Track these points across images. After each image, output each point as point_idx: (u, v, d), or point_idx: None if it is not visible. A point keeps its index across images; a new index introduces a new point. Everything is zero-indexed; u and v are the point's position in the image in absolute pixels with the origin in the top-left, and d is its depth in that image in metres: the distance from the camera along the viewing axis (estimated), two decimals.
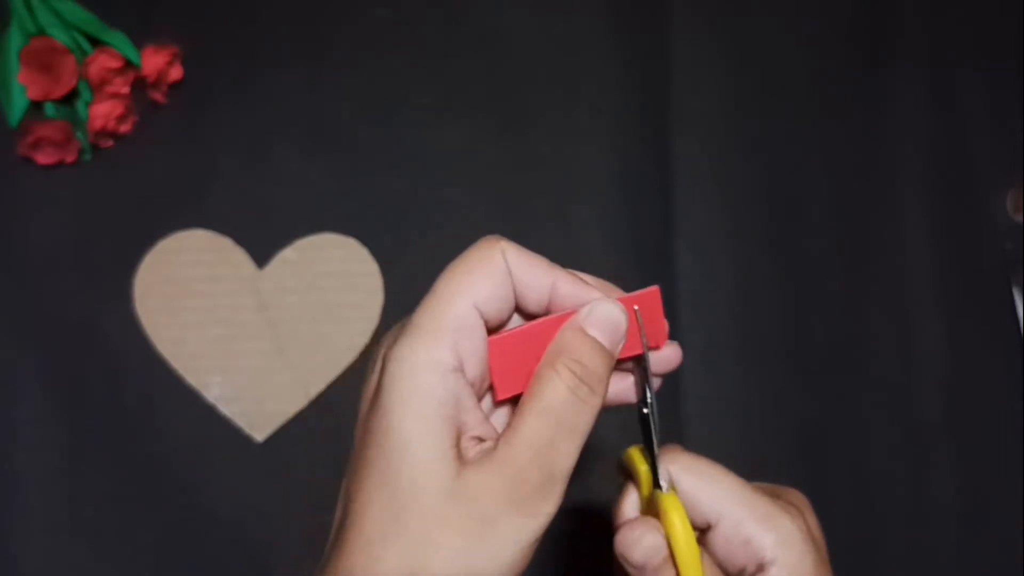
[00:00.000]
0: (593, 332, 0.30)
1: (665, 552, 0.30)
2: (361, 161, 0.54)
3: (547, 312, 0.31)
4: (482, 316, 0.29)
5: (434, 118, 0.55)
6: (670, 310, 0.52)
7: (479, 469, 0.28)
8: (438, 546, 0.27)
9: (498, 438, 0.29)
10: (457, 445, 0.28)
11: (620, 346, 0.30)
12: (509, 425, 0.29)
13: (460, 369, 0.28)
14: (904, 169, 0.56)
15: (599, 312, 0.30)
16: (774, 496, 0.32)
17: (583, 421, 0.29)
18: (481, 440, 0.29)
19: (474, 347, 0.29)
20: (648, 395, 0.32)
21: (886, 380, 0.54)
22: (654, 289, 0.32)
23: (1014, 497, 0.52)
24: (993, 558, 0.52)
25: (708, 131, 0.55)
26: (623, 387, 0.33)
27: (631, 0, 0.56)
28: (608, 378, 0.30)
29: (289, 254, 0.52)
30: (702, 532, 0.32)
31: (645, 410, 0.32)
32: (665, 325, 0.32)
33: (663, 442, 0.32)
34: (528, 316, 0.31)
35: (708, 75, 0.56)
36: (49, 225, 0.52)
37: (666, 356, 0.33)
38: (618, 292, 0.31)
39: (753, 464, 0.52)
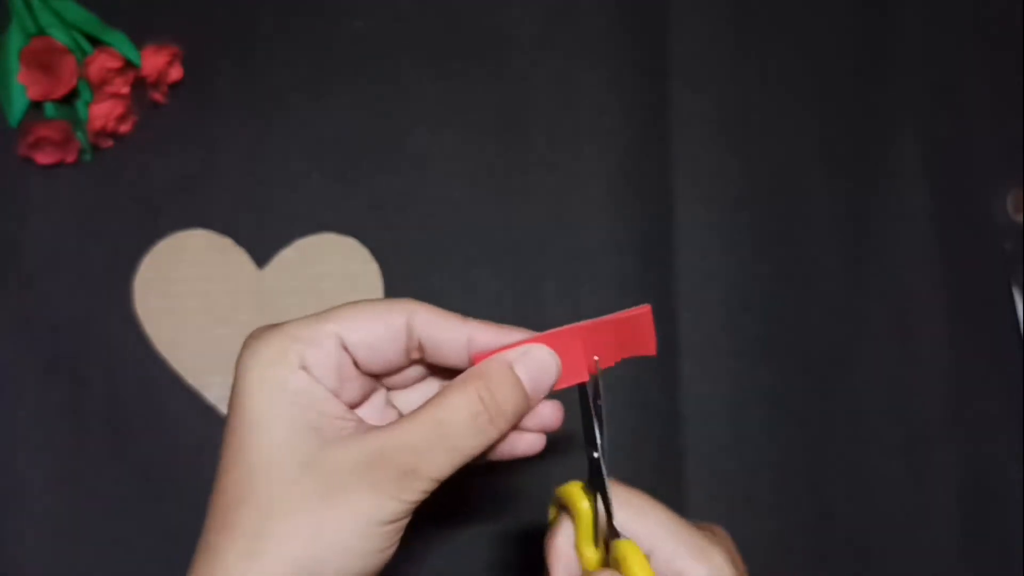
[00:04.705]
0: (519, 372, 0.31)
1: None
2: (361, 161, 0.54)
3: (467, 365, 0.31)
4: (347, 350, 0.31)
5: (434, 118, 0.55)
6: (670, 310, 0.53)
7: (340, 446, 0.29)
8: (284, 510, 0.28)
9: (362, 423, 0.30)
10: (315, 429, 0.29)
11: (541, 395, 0.31)
12: (398, 419, 0.30)
13: (306, 370, 0.30)
14: (904, 169, 0.56)
15: (532, 356, 0.31)
16: (702, 530, 0.33)
17: (469, 445, 0.30)
18: (353, 423, 0.30)
19: (325, 368, 0.30)
20: (599, 439, 0.32)
21: (886, 380, 0.54)
22: (645, 309, 0.32)
23: (1014, 497, 0.52)
24: (993, 558, 0.52)
25: (708, 132, 0.55)
26: (519, 444, 0.33)
27: (631, 1, 0.56)
28: (515, 419, 0.30)
29: (289, 254, 0.52)
30: None
31: (596, 454, 0.32)
32: (653, 340, 0.33)
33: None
34: (449, 369, 0.32)
35: (708, 74, 0.56)
36: (49, 225, 0.52)
37: (545, 414, 0.33)
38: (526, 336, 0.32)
39: (753, 464, 0.53)
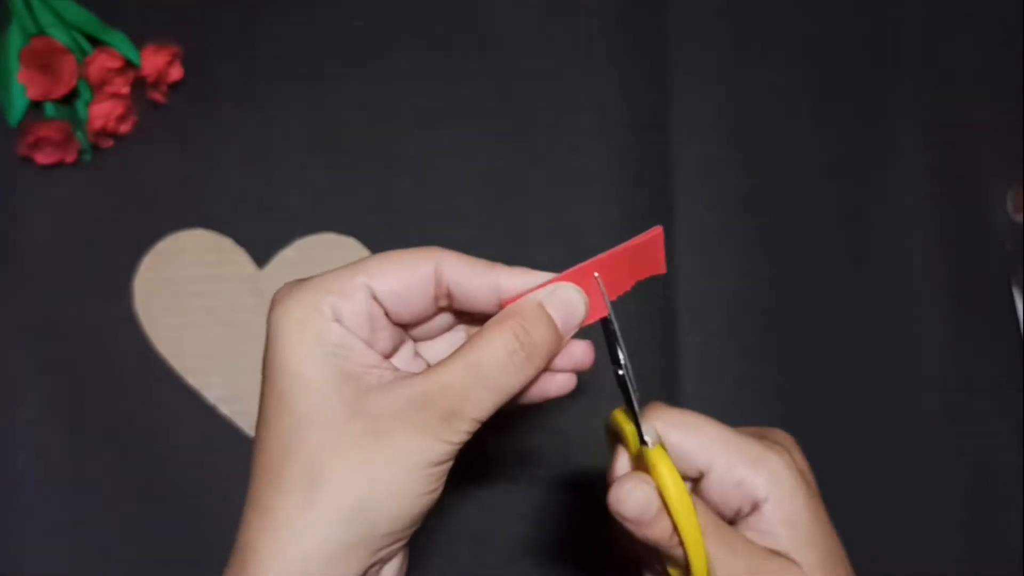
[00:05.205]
0: (550, 310, 0.31)
1: (657, 503, 0.31)
2: (361, 161, 0.54)
3: (495, 310, 0.32)
4: (378, 300, 0.31)
5: (434, 118, 0.55)
6: (670, 311, 0.53)
7: (383, 392, 0.29)
8: (335, 457, 0.29)
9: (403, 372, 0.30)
10: (355, 378, 0.29)
11: (571, 331, 0.32)
12: (438, 363, 0.30)
13: (340, 321, 0.30)
14: (904, 169, 0.56)
15: (560, 294, 0.32)
16: (760, 438, 0.34)
17: (508, 384, 0.30)
18: (389, 371, 0.30)
19: (357, 319, 0.30)
20: (621, 357, 0.33)
21: (886, 380, 0.54)
22: (657, 231, 0.33)
23: (1014, 496, 0.52)
24: (994, 558, 0.52)
25: (708, 131, 0.55)
26: (552, 385, 0.34)
27: (630, 1, 0.56)
28: (549, 356, 0.31)
29: (289, 254, 0.52)
30: (696, 481, 0.33)
31: (620, 371, 0.33)
32: (663, 260, 0.34)
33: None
34: (475, 316, 0.33)
35: (708, 75, 0.56)
36: (49, 225, 0.52)
37: (577, 354, 0.34)
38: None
39: None
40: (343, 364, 0.30)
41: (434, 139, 0.54)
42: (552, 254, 0.54)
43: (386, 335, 0.32)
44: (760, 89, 0.56)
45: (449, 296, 0.32)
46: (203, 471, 0.50)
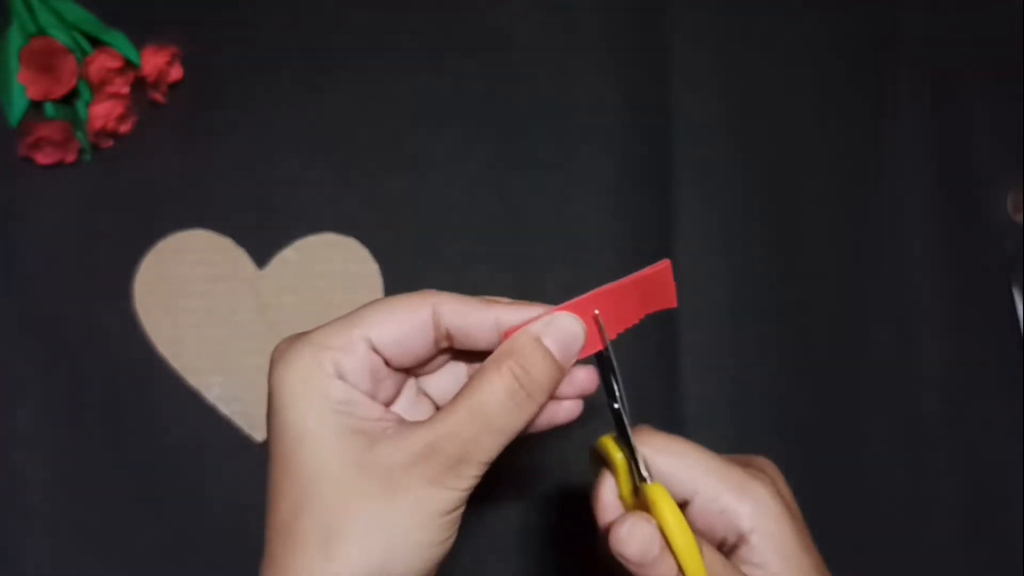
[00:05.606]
0: (548, 343, 0.31)
1: (660, 543, 0.30)
2: (361, 161, 0.54)
3: (498, 346, 0.31)
4: (378, 351, 0.31)
5: (434, 118, 0.55)
6: (670, 311, 0.53)
7: (389, 445, 0.29)
8: (348, 512, 0.28)
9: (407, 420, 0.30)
10: (361, 432, 0.29)
11: (571, 361, 0.32)
12: (439, 410, 0.30)
13: (342, 377, 0.30)
14: (904, 169, 0.56)
15: (557, 324, 0.31)
16: (745, 465, 0.33)
17: (512, 425, 0.30)
18: (394, 423, 0.30)
19: (359, 373, 0.30)
20: (617, 391, 0.32)
21: (886, 380, 0.54)
22: (664, 264, 0.33)
23: (1014, 497, 0.52)
24: (994, 558, 0.52)
25: (708, 132, 0.55)
26: (559, 413, 0.34)
27: (631, 0, 0.56)
28: (551, 389, 0.31)
29: (289, 254, 0.52)
30: (680, 508, 0.33)
31: (616, 405, 0.32)
32: (674, 293, 0.34)
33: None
34: (479, 354, 0.32)
35: (708, 75, 0.56)
36: (49, 225, 0.52)
37: (581, 379, 0.34)
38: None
39: None
40: (348, 420, 0.29)
41: (434, 139, 0.54)
42: (552, 254, 0.54)
43: (389, 383, 0.32)
44: (760, 89, 0.56)
45: (449, 337, 0.32)
46: (203, 471, 0.50)
